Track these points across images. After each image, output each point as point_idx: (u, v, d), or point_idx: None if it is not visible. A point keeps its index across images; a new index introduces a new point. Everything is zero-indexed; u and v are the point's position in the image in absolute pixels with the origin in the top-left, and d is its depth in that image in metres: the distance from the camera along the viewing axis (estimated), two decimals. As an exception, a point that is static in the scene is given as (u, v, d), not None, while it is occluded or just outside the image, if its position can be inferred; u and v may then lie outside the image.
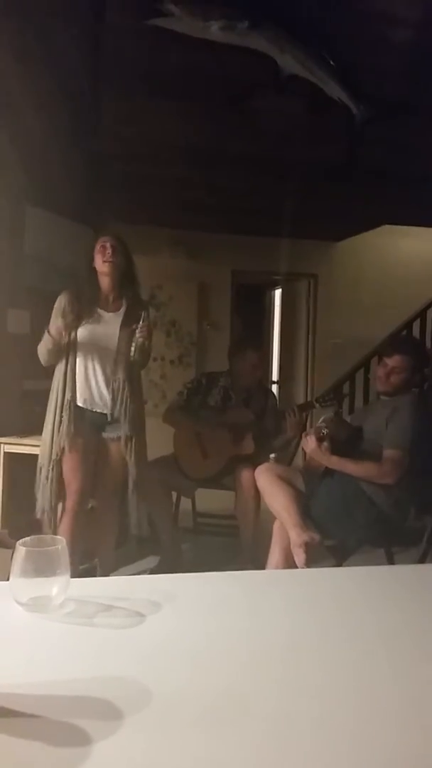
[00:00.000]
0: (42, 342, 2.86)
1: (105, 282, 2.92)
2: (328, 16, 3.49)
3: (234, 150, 3.97)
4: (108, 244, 2.88)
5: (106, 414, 2.89)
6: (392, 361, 2.88)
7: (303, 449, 3.09)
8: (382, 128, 3.87)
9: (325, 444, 2.75)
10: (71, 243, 3.88)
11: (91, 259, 2.91)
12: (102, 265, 2.88)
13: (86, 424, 2.86)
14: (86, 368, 2.87)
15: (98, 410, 2.89)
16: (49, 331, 2.80)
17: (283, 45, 3.36)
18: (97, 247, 2.89)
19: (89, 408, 2.88)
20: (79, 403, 2.85)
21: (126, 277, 2.95)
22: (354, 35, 3.56)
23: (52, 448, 2.82)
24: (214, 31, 2.99)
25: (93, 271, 2.91)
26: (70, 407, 2.82)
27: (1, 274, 3.45)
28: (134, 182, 4.45)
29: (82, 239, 3.91)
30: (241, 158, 4.04)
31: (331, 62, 3.56)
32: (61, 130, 3.79)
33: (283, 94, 3.63)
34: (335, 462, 2.76)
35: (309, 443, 2.77)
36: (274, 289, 7.41)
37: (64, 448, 2.81)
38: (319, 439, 2.75)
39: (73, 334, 2.83)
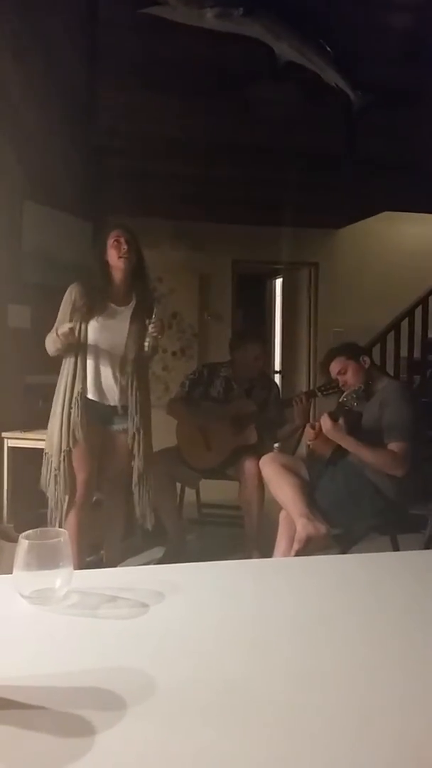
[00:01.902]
0: (50, 336, 2.84)
1: (118, 276, 2.90)
2: (324, 2, 3.47)
3: (232, 140, 3.95)
4: (122, 239, 2.85)
5: (114, 406, 2.90)
6: (334, 366, 2.99)
7: (307, 441, 3.09)
8: (380, 114, 3.85)
9: (341, 423, 2.76)
10: (70, 238, 3.87)
11: (103, 253, 2.88)
12: (117, 260, 2.85)
13: (94, 417, 2.87)
14: (96, 361, 2.87)
15: (107, 403, 2.89)
16: (56, 330, 2.79)
17: (279, 32, 3.34)
18: (111, 241, 2.86)
19: (98, 400, 2.88)
20: (89, 396, 2.85)
21: (136, 272, 2.94)
22: (351, 21, 3.53)
23: (61, 440, 2.83)
24: (209, 18, 2.98)
25: (105, 265, 2.89)
26: (79, 399, 2.82)
27: (0, 269, 3.44)
28: (132, 175, 4.43)
29: (82, 233, 3.90)
30: (239, 148, 4.02)
31: (328, 49, 3.54)
32: (59, 125, 3.78)
33: (281, 82, 3.61)
34: (351, 442, 2.74)
35: (325, 422, 2.76)
36: (275, 279, 7.39)
37: (72, 440, 2.81)
38: (334, 419, 2.76)
39: (83, 327, 2.83)
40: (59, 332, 2.76)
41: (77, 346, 2.83)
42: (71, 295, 2.87)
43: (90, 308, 2.82)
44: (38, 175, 3.60)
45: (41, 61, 3.58)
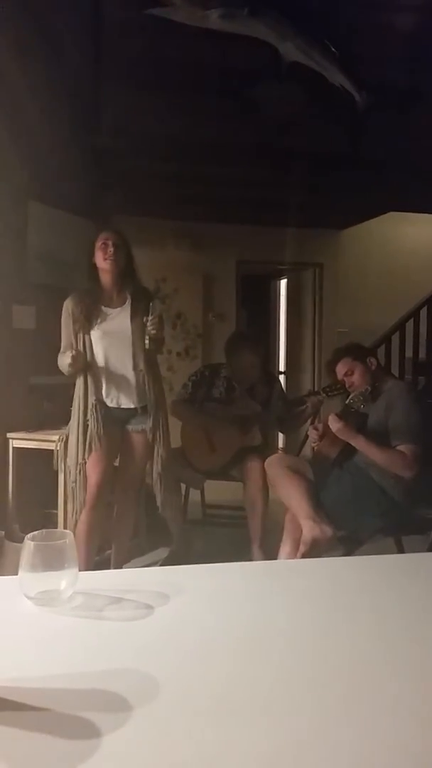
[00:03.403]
0: (63, 357, 2.86)
1: (106, 278, 2.92)
2: (330, 3, 3.46)
3: (237, 140, 3.95)
4: (110, 242, 2.87)
5: (133, 408, 2.92)
6: (340, 367, 2.99)
7: (312, 443, 3.09)
8: (385, 115, 3.84)
9: (350, 423, 2.76)
10: (75, 238, 3.87)
11: (92, 255, 2.90)
12: (104, 262, 2.87)
13: (112, 422, 2.89)
14: (107, 367, 2.88)
15: (125, 406, 2.92)
16: (66, 350, 2.82)
17: (284, 32, 3.34)
18: (98, 244, 2.88)
19: (116, 406, 2.90)
20: (107, 403, 2.88)
21: (126, 272, 2.95)
22: (357, 22, 3.52)
23: (77, 452, 2.84)
24: (214, 19, 2.98)
25: (93, 267, 2.92)
26: (96, 410, 2.84)
27: (5, 270, 3.45)
28: (137, 175, 4.44)
29: (86, 234, 3.91)
30: (243, 148, 4.02)
31: (333, 49, 3.53)
32: (63, 126, 3.78)
33: (285, 82, 3.61)
34: (361, 442, 2.74)
35: (335, 423, 2.76)
36: (280, 279, 7.38)
37: (90, 451, 2.83)
38: (344, 418, 2.76)
39: (86, 339, 2.85)
40: (67, 362, 2.80)
41: (84, 357, 2.85)
42: (68, 309, 2.89)
43: (87, 315, 2.84)
44: (42, 176, 3.60)
45: (45, 62, 3.58)
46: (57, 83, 3.68)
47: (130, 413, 2.93)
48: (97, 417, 2.82)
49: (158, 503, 3.04)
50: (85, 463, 2.84)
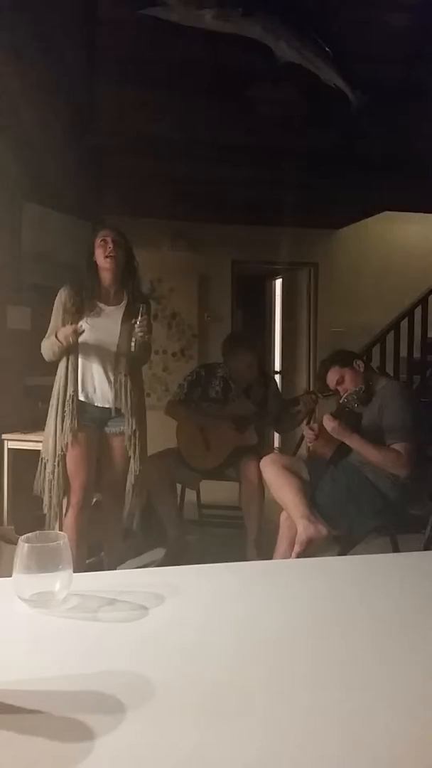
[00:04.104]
0: (47, 341, 2.84)
1: (106, 276, 2.90)
2: (323, 3, 3.46)
3: (231, 140, 3.94)
4: (109, 239, 2.86)
5: (108, 408, 2.89)
6: (331, 376, 2.99)
7: (307, 443, 3.09)
8: (379, 114, 3.84)
9: (345, 423, 2.76)
10: (70, 238, 3.87)
11: (92, 253, 2.89)
12: (104, 260, 2.86)
13: (89, 419, 2.86)
14: (89, 363, 2.86)
15: (100, 405, 2.88)
16: (56, 335, 2.78)
17: (279, 32, 3.34)
18: (98, 241, 2.87)
19: (92, 402, 2.87)
20: (81, 398, 2.84)
21: (126, 271, 2.94)
22: (350, 21, 3.53)
23: (56, 443, 2.82)
24: (208, 19, 2.98)
25: (93, 265, 2.89)
26: (72, 402, 2.81)
27: (0, 271, 3.44)
28: (132, 176, 4.43)
29: (81, 234, 3.90)
30: (238, 148, 4.01)
31: (327, 49, 3.53)
32: (58, 126, 3.78)
33: (280, 82, 3.61)
34: (356, 441, 2.75)
35: (329, 422, 2.77)
36: (275, 279, 7.39)
37: (68, 443, 2.81)
38: (338, 417, 2.76)
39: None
40: (61, 335, 2.75)
41: (70, 349, 2.82)
42: (62, 298, 2.87)
43: (79, 309, 2.82)
44: (38, 176, 3.60)
45: (40, 62, 3.58)
46: (51, 83, 3.68)
47: (105, 413, 2.89)
48: (72, 409, 2.80)
49: (124, 513, 2.94)
50: (64, 455, 2.81)
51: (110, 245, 2.84)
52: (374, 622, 0.95)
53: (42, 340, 2.87)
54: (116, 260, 2.87)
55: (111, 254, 2.84)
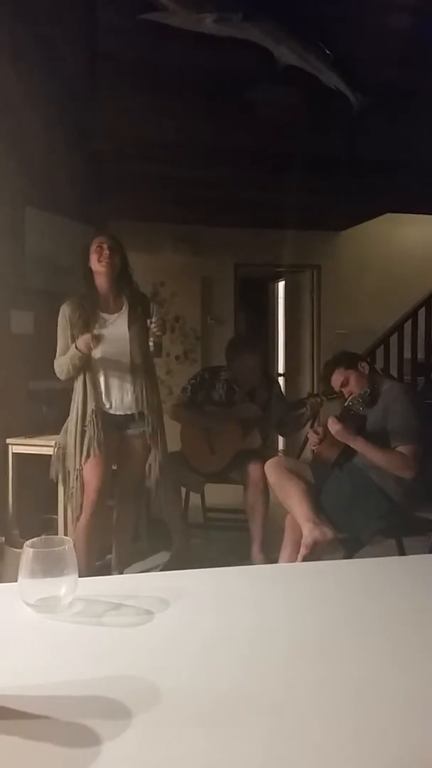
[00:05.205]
0: (62, 358, 2.86)
1: (102, 282, 2.92)
2: (323, 5, 3.47)
3: (233, 143, 3.95)
4: (105, 245, 2.89)
5: (130, 414, 2.92)
6: (335, 379, 2.97)
7: (311, 446, 3.09)
8: (380, 116, 3.84)
9: (349, 425, 2.76)
10: (73, 243, 3.87)
11: (87, 260, 2.91)
12: (99, 266, 2.88)
13: (110, 428, 2.88)
14: (105, 375, 2.88)
15: (122, 413, 2.92)
16: (76, 346, 2.79)
17: (279, 35, 3.34)
18: (93, 247, 2.90)
19: (113, 412, 2.90)
20: (106, 410, 2.88)
21: (122, 277, 2.96)
22: (350, 24, 3.53)
23: (75, 458, 2.84)
24: (208, 23, 2.99)
25: (89, 272, 2.92)
26: (94, 416, 2.83)
27: (2, 275, 3.45)
28: (134, 180, 4.44)
29: (84, 239, 3.91)
30: (240, 151, 4.02)
31: (328, 51, 3.54)
32: (60, 131, 3.79)
33: (280, 85, 3.62)
34: (361, 444, 2.74)
35: (334, 425, 2.76)
36: (278, 282, 7.39)
37: (88, 457, 2.83)
38: (343, 420, 2.76)
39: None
40: (81, 344, 2.77)
41: (88, 360, 2.84)
42: (65, 313, 2.89)
43: (86, 320, 2.84)
44: (40, 181, 3.60)
45: (41, 66, 3.59)
46: (53, 88, 3.69)
47: (127, 419, 2.93)
48: (96, 423, 2.82)
49: (159, 507, 3.05)
50: (82, 469, 2.84)
51: (105, 251, 2.87)
52: (382, 626, 0.95)
53: (46, 342, 2.88)
54: (111, 266, 2.89)
55: (106, 260, 2.87)
